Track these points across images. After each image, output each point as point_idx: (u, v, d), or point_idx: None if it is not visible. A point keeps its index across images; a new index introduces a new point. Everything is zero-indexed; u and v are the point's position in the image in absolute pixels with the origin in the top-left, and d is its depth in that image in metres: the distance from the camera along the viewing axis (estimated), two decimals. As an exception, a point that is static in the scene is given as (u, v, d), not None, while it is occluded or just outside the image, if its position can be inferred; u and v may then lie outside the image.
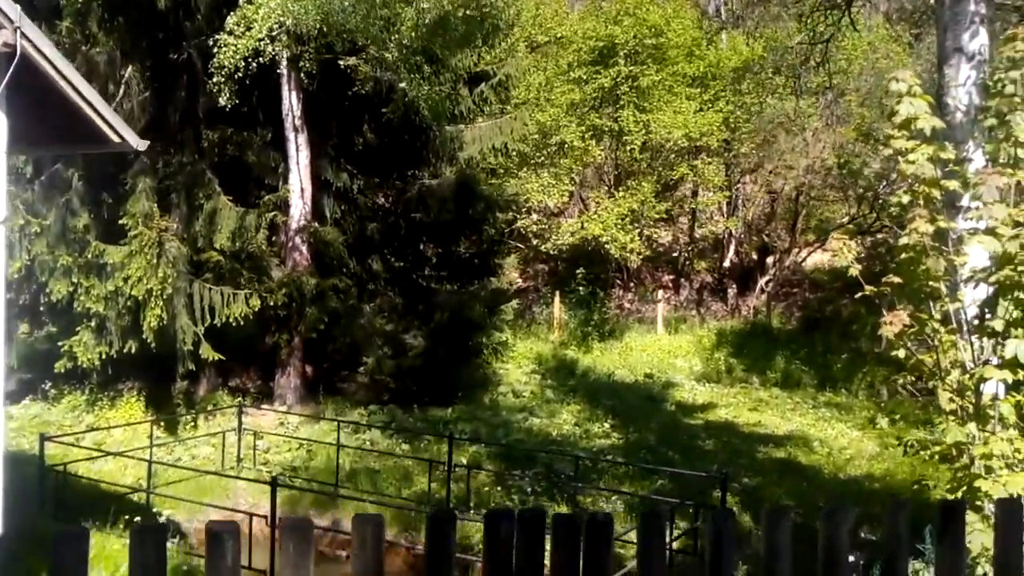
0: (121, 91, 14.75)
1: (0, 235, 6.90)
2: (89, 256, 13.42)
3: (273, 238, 15.95)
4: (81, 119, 7.10)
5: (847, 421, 16.02)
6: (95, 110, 7.05)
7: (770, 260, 25.29)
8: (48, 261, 13.48)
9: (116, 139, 7.25)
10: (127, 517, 9.37)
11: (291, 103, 15.11)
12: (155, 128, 15.07)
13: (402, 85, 13.47)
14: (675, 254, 27.45)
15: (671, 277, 27.94)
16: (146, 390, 15.46)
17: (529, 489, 11.46)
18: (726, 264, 26.41)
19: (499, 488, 11.59)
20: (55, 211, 13.93)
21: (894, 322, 5.07)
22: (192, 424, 14.39)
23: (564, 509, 10.79)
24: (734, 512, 9.70)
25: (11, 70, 6.47)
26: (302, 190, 15.33)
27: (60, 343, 13.75)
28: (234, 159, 15.69)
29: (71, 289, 13.46)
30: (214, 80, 12.69)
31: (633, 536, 10.18)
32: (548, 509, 11.01)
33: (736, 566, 9.70)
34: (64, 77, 6.81)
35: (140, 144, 7.42)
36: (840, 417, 16.46)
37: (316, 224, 15.75)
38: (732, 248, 26.21)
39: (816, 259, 25.77)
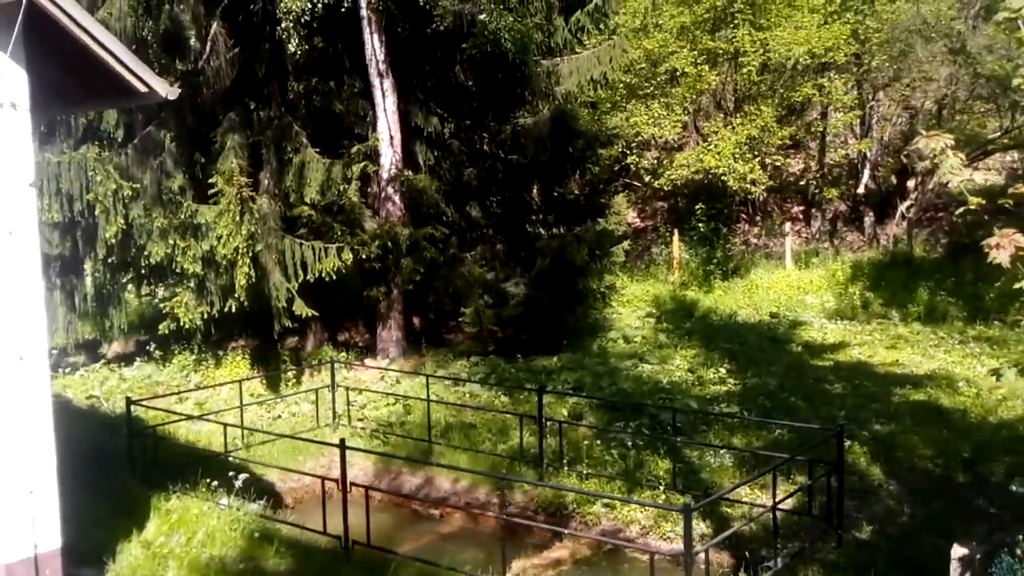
0: (208, 48, 14.58)
1: (32, 198, 6.60)
2: (183, 217, 13.37)
3: (368, 189, 15.53)
4: (105, 70, 6.65)
5: (1001, 357, 14.29)
6: (116, 58, 6.58)
7: (911, 183, 23.02)
8: (145, 224, 13.53)
9: (143, 88, 6.77)
10: (208, 480, 9.24)
11: (374, 47, 14.52)
12: (243, 83, 14.91)
13: (482, 17, 12.59)
14: (804, 183, 25.46)
15: (801, 208, 26.01)
16: (251, 348, 15.54)
17: (630, 443, 10.63)
18: (861, 190, 24.26)
19: (599, 442, 10.81)
20: (150, 173, 13.96)
21: (1003, 244, 3.93)
22: (295, 381, 14.32)
23: (666, 465, 9.93)
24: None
25: (19, 19, 6.06)
26: (391, 138, 14.79)
27: (162, 305, 13.87)
28: (322, 110, 15.29)
29: (169, 251, 13.47)
30: (282, 26, 12.19)
31: (744, 494, 9.24)
32: (649, 464, 10.18)
33: (859, 525, 8.63)
34: (79, 25, 6.35)
35: (170, 92, 6.93)
36: (992, 353, 14.72)
37: (408, 172, 15.21)
38: (867, 173, 24.01)
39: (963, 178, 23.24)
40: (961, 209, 4.60)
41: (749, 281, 21.69)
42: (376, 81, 14.65)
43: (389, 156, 14.84)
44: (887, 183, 24.14)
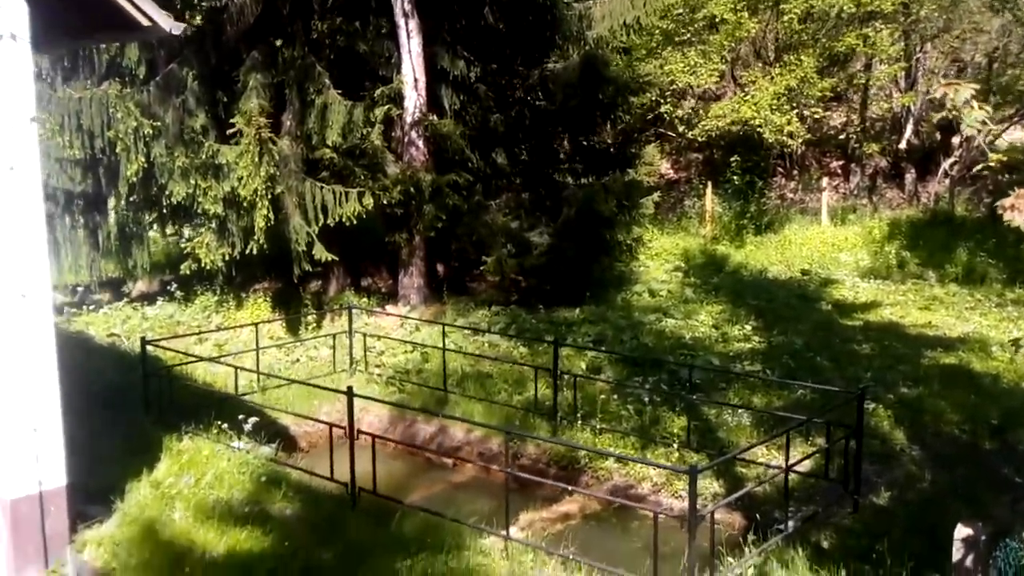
0: (233, -16, 14.30)
1: (33, 133, 6.45)
2: (204, 157, 13.24)
3: (392, 133, 15.26)
4: (106, 2, 6.44)
5: (1035, 323, 13.84)
6: (116, -13, 6.37)
7: (956, 140, 22.22)
8: (167, 163, 13.42)
9: (145, 21, 6.56)
10: (220, 422, 9.22)
11: (400, -15, 14.13)
12: (267, 21, 14.64)
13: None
14: (843, 137, 24.69)
15: (840, 163, 25.31)
16: (274, 291, 15.50)
17: (647, 399, 10.43)
18: (903, 146, 23.49)
19: (615, 397, 10.63)
20: (171, 112, 13.80)
21: (1018, 206, 3.63)
22: (316, 325, 14.27)
23: (682, 422, 9.73)
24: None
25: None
26: (415, 80, 14.46)
27: (184, 245, 13.82)
28: (347, 51, 14.98)
29: (190, 190, 13.38)
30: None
31: (760, 455, 9.03)
32: (664, 420, 9.99)
33: (878, 491, 8.40)
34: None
35: (174, 26, 6.70)
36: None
37: (433, 116, 14.90)
38: (911, 128, 23.21)
39: (1014, 136, 22.43)
40: (980, 166, 4.27)
41: (782, 237, 21.23)
42: (401, 21, 14.29)
43: (413, 99, 14.52)
44: (931, 139, 23.36)
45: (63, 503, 6.69)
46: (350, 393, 7.92)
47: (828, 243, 20.54)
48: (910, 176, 23.38)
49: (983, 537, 4.59)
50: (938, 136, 22.95)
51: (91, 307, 14.69)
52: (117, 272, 15.84)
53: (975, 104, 3.91)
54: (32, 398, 6.48)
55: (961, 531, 4.72)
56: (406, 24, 14.30)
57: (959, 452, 9.23)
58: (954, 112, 3.90)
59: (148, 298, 15.38)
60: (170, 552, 6.78)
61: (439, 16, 15.13)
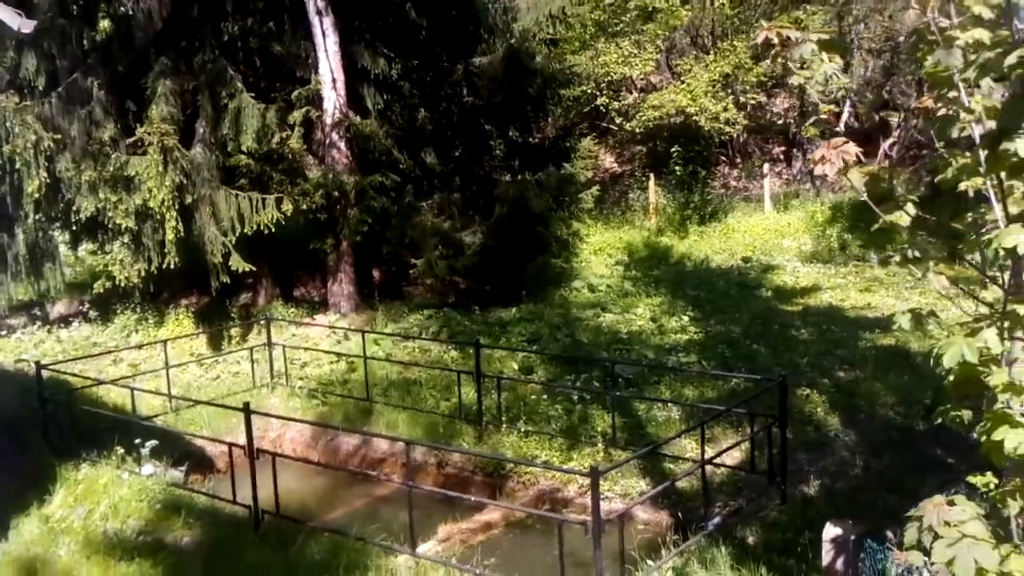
0: (139, -12, 13.73)
1: None
2: (112, 169, 12.64)
3: (314, 136, 14.75)
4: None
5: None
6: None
7: (894, 121, 22.17)
8: (73, 177, 12.81)
9: (-11, 18, 6.04)
10: (125, 448, 8.69)
11: (310, -19, 13.64)
12: (176, 26, 14.08)
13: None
14: (781, 122, 24.57)
15: (782, 149, 25.18)
16: (200, 306, 14.92)
17: (576, 397, 10.06)
18: (840, 128, 23.40)
19: (545, 397, 10.24)
20: (77, 124, 13.19)
21: (828, 157, 3.31)
22: (240, 339, 13.72)
23: (612, 419, 9.36)
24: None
25: None
26: (334, 80, 13.97)
27: (95, 263, 13.20)
28: (261, 53, 14.46)
29: (100, 204, 12.78)
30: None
31: (688, 447, 8.70)
32: (594, 419, 9.63)
33: (807, 480, 8.10)
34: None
35: (24, 25, 6.19)
36: (975, 293, 14.05)
37: (356, 116, 14.41)
38: (848, 110, 23.13)
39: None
40: (805, 126, 3.94)
41: (726, 225, 21.01)
42: (315, 20, 13.79)
43: (333, 100, 14.03)
44: (869, 121, 23.31)
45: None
46: (247, 410, 7.44)
47: (771, 230, 20.36)
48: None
49: (852, 537, 4.26)
50: (876, 118, 22.89)
51: (3, 332, 13.99)
52: (30, 295, 15.13)
53: (825, 56, 3.58)
54: None
55: (830, 531, 4.39)
56: (321, 23, 13.81)
57: (892, 436, 8.98)
58: (791, 64, 3.57)
59: (66, 320, 14.69)
60: (46, 593, 6.28)
61: (356, 14, 14.66)
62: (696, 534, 6.86)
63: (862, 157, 3.57)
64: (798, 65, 3.54)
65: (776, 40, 3.53)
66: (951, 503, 3.06)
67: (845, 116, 23.05)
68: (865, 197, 3.62)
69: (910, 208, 3.71)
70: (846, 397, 9.94)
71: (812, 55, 3.52)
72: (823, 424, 9.31)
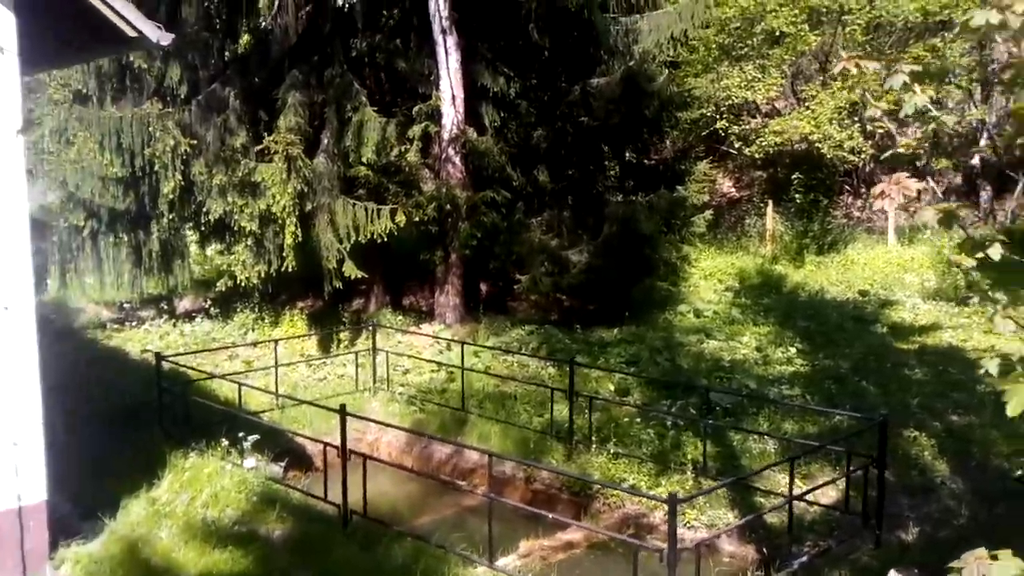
0: (276, 3, 14.49)
1: (19, 146, 6.48)
2: (241, 174, 13.35)
3: (431, 151, 15.17)
4: (93, 14, 6.45)
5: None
6: (104, 2, 6.37)
7: (1035, 155, 20.96)
8: (205, 181, 13.59)
9: (132, 32, 6.54)
10: (230, 439, 9.14)
11: (437, 2, 14.04)
12: (308, 41, 14.76)
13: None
14: (912, 153, 23.52)
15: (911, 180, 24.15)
16: (314, 309, 15.52)
17: (669, 423, 9.95)
18: (975, 161, 22.29)
19: (638, 420, 10.18)
20: (212, 130, 14.00)
21: (888, 192, 3.20)
22: (348, 343, 14.19)
23: (704, 448, 9.21)
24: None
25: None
26: (453, 97, 14.33)
27: (220, 263, 13.95)
28: (386, 69, 14.99)
29: (228, 208, 13.51)
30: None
31: (782, 482, 8.47)
32: (686, 446, 9.50)
33: (906, 526, 7.76)
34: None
35: (162, 37, 6.67)
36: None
37: (473, 132, 14.73)
38: (984, 142, 21.99)
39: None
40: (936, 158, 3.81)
41: (845, 256, 20.31)
42: (439, 38, 14.20)
43: (451, 116, 14.40)
44: (1009, 152, 22.09)
45: (43, 518, 6.64)
46: (343, 412, 7.73)
47: (893, 263, 19.55)
48: (985, 193, 22.15)
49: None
50: (1017, 151, 21.68)
51: (134, 324, 14.94)
52: (160, 289, 16.11)
53: (917, 88, 3.49)
54: (12, 411, 6.46)
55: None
56: (444, 41, 14.20)
57: (1006, 487, 8.48)
58: (867, 97, 3.49)
59: (190, 315, 15.58)
60: (146, 572, 6.67)
61: (479, 33, 15.00)
62: (780, 571, 6.68)
63: (921, 192, 3.48)
64: (876, 97, 3.47)
65: (854, 71, 3.47)
66: (994, 557, 2.92)
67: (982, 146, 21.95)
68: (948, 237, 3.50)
69: (996, 248, 3.55)
70: (958, 443, 9.46)
71: (903, 88, 3.44)
72: (929, 469, 8.90)
